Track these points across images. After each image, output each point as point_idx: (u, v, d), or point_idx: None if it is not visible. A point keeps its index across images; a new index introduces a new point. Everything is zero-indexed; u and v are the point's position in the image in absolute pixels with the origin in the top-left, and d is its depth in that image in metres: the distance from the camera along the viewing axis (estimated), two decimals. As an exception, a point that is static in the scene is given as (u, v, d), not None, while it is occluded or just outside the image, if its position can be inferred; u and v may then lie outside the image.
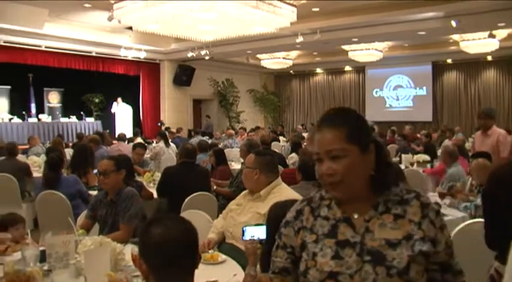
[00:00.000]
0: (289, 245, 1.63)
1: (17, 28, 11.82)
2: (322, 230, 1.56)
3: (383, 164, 1.54)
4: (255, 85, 22.43)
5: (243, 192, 3.66)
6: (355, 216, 1.53)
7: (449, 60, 19.04)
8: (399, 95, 20.70)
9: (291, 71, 22.36)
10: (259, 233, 2.77)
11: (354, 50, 15.81)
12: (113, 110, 17.31)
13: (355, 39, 14.25)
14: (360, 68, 21.33)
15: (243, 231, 2.85)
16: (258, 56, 18.33)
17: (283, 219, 1.70)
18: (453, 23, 11.08)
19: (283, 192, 3.45)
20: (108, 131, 14.46)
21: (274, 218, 2.28)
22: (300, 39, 12.77)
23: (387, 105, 21.05)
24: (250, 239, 2.79)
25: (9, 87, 15.83)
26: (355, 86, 22.10)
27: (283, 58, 18.17)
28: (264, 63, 18.62)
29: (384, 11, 11.20)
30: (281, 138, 15.00)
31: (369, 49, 15.60)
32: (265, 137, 9.22)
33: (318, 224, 1.58)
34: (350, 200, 1.54)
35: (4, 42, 13.59)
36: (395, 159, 8.10)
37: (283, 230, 1.68)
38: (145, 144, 8.77)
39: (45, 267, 2.76)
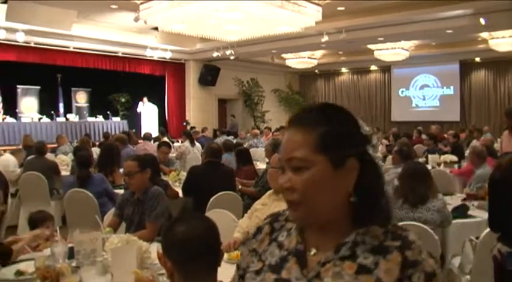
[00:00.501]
0: (241, 267, 1.27)
1: (47, 30, 12.06)
2: (270, 260, 1.18)
3: (371, 190, 1.10)
4: (279, 85, 22.39)
5: (268, 192, 3.68)
6: (312, 252, 1.12)
7: (477, 59, 18.67)
8: (426, 95, 20.44)
9: (316, 71, 22.26)
10: None
11: (380, 49, 15.66)
12: (138, 110, 17.49)
13: (381, 38, 14.11)
14: (386, 68, 21.12)
15: None
16: (283, 55, 18.30)
17: None
18: (482, 21, 10.89)
19: None
20: (134, 130, 14.61)
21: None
22: (325, 38, 12.72)
23: (413, 105, 20.80)
24: None
25: (38, 87, 16.16)
26: (381, 85, 21.89)
27: (308, 58, 18.10)
28: (289, 63, 18.58)
29: (411, 9, 11.05)
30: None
31: (395, 48, 15.43)
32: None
33: (269, 251, 1.20)
34: (315, 228, 1.14)
35: (35, 43, 13.88)
36: (421, 160, 8.00)
37: (240, 247, 1.36)
38: (170, 143, 8.84)
39: (74, 264, 2.81)
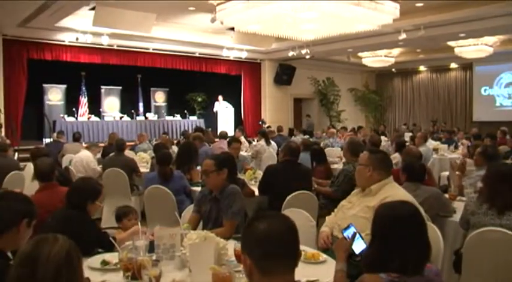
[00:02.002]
0: None
1: (128, 33, 12.57)
2: None
3: None
4: (356, 84, 22.07)
5: (354, 191, 3.72)
6: None
7: None
8: (511, 93, 19.42)
9: (393, 69, 21.78)
10: (359, 244, 2.70)
11: (461, 46, 15.04)
12: (215, 109, 17.80)
13: (462, 35, 13.54)
14: (467, 65, 20.26)
15: (348, 226, 2.82)
16: (359, 54, 18.02)
17: (390, 220, 1.65)
18: None
19: (395, 191, 3.44)
20: (210, 129, 14.89)
21: (380, 218, 2.24)
22: (402, 36, 12.38)
23: (497, 104, 19.84)
24: (346, 236, 2.75)
25: (120, 87, 16.87)
26: (462, 84, 21.05)
27: (385, 56, 17.72)
28: (365, 62, 18.28)
29: (494, 2, 10.48)
30: (383, 137, 14.66)
31: (477, 44, 14.74)
32: (374, 137, 9.02)
33: None
34: None
35: (117, 46, 14.56)
36: (508, 162, 7.60)
37: None
38: (244, 140, 8.89)
39: (154, 257, 2.90)
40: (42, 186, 4.25)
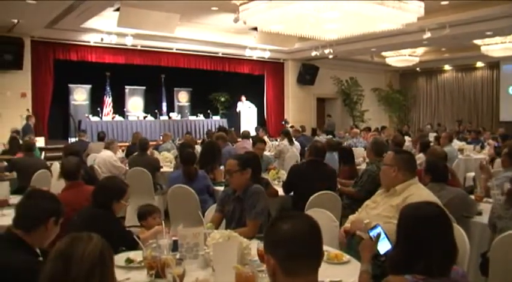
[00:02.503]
0: None
1: (152, 33, 12.69)
2: None
3: None
4: (379, 83, 21.89)
5: (379, 191, 3.71)
6: None
7: None
8: (540, 93, 19.06)
9: (417, 69, 21.55)
10: (384, 245, 2.68)
11: (487, 44, 14.80)
12: (238, 109, 17.84)
13: (489, 33, 13.32)
14: (494, 64, 19.92)
15: (375, 226, 2.80)
16: (383, 53, 17.89)
17: (414, 220, 1.64)
18: None
19: (420, 191, 3.42)
20: (233, 128, 14.93)
21: (405, 219, 2.22)
22: (427, 35, 12.24)
23: (525, 103, 19.46)
24: (372, 236, 2.73)
25: (144, 87, 17.03)
26: (488, 83, 20.70)
27: (409, 55, 17.56)
28: (388, 61, 18.14)
29: (523, -1, 10.29)
30: (406, 138, 14.52)
31: (504, 42, 14.46)
32: (397, 138, 8.94)
33: None
34: None
35: (141, 46, 14.70)
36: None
37: None
38: (267, 140, 8.90)
39: (177, 256, 2.92)
40: (68, 184, 4.32)
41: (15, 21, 11.08)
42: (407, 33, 12.84)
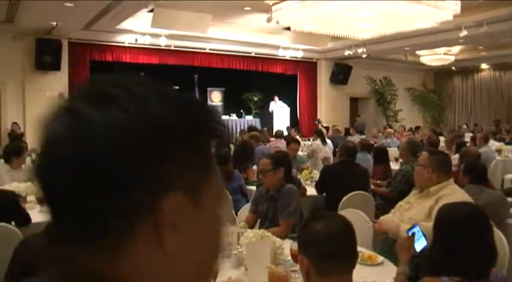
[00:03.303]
0: None
1: (185, 33, 12.82)
2: None
3: None
4: (413, 83, 21.56)
5: (413, 192, 3.68)
6: None
7: None
8: None
9: (453, 68, 21.12)
10: (420, 243, 2.65)
11: (527, 42, 14.44)
12: (270, 109, 17.83)
13: (529, 30, 12.96)
14: (533, 62, 19.40)
15: (412, 226, 2.77)
16: (417, 52, 17.60)
17: (451, 220, 1.62)
18: None
19: (455, 193, 3.37)
20: (265, 128, 14.94)
21: (442, 219, 2.20)
22: (463, 33, 11.99)
23: None
24: (408, 236, 2.70)
25: (177, 87, 16.89)
26: (527, 82, 20.18)
27: (444, 54, 17.22)
28: (423, 60, 17.83)
29: None
30: (441, 138, 14.27)
31: (545, 40, 14.11)
32: (432, 138, 8.80)
33: None
34: None
35: (174, 47, 14.85)
36: None
37: None
38: (300, 140, 8.87)
39: (210, 255, 2.94)
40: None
41: (54, 23, 11.36)
42: (442, 32, 12.59)
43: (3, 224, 3.48)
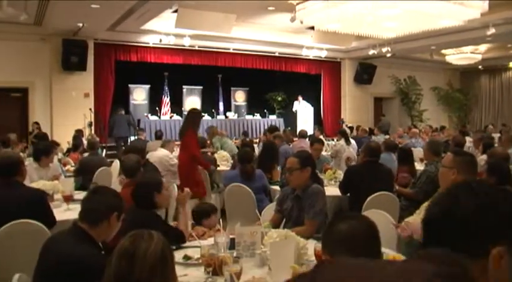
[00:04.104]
0: None
1: (209, 33, 12.88)
2: None
3: None
4: (438, 82, 21.29)
5: (438, 193, 3.56)
6: None
7: None
8: None
9: (480, 67, 20.76)
10: None
11: (557, 40, 14.11)
12: (294, 108, 17.81)
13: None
14: None
15: None
16: (443, 51, 17.37)
17: None
18: None
19: None
20: (289, 128, 14.93)
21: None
22: (491, 31, 11.79)
23: None
24: None
25: (201, 87, 17.29)
26: (558, 81, 19.73)
27: (471, 52, 16.96)
28: (449, 59, 17.60)
29: None
30: (467, 138, 14.04)
31: None
32: (458, 138, 8.68)
33: None
34: None
35: (198, 47, 14.93)
36: None
37: None
38: (324, 140, 8.85)
39: (234, 254, 2.96)
40: (128, 182, 4.44)
41: (80, 25, 11.53)
42: (469, 30, 12.39)
43: (33, 221, 3.54)
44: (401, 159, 6.88)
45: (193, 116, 6.84)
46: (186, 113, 16.38)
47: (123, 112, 13.92)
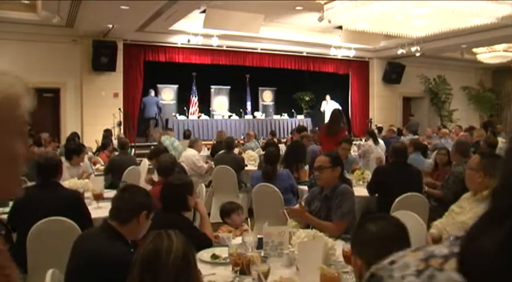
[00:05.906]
0: None
1: (237, 33, 12.93)
2: None
3: None
4: (469, 82, 20.89)
5: (465, 195, 3.54)
6: None
7: None
8: None
9: (512, 65, 20.34)
10: None
11: None
12: (322, 108, 17.71)
13: None
14: None
15: None
16: (474, 50, 17.04)
17: None
18: None
19: None
20: (317, 128, 14.87)
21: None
22: (525, 28, 11.53)
23: None
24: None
25: (229, 87, 17.35)
26: None
27: (504, 51, 16.58)
28: (480, 58, 17.24)
29: None
30: (500, 139, 13.76)
31: None
32: (490, 138, 8.53)
33: None
34: None
35: (226, 47, 15.02)
36: None
37: None
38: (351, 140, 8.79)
39: (262, 254, 2.96)
40: (160, 180, 4.50)
41: (110, 26, 11.73)
42: (502, 27, 12.09)
43: (63, 218, 3.61)
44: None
45: None
46: (214, 112, 16.61)
47: (152, 94, 14.60)
